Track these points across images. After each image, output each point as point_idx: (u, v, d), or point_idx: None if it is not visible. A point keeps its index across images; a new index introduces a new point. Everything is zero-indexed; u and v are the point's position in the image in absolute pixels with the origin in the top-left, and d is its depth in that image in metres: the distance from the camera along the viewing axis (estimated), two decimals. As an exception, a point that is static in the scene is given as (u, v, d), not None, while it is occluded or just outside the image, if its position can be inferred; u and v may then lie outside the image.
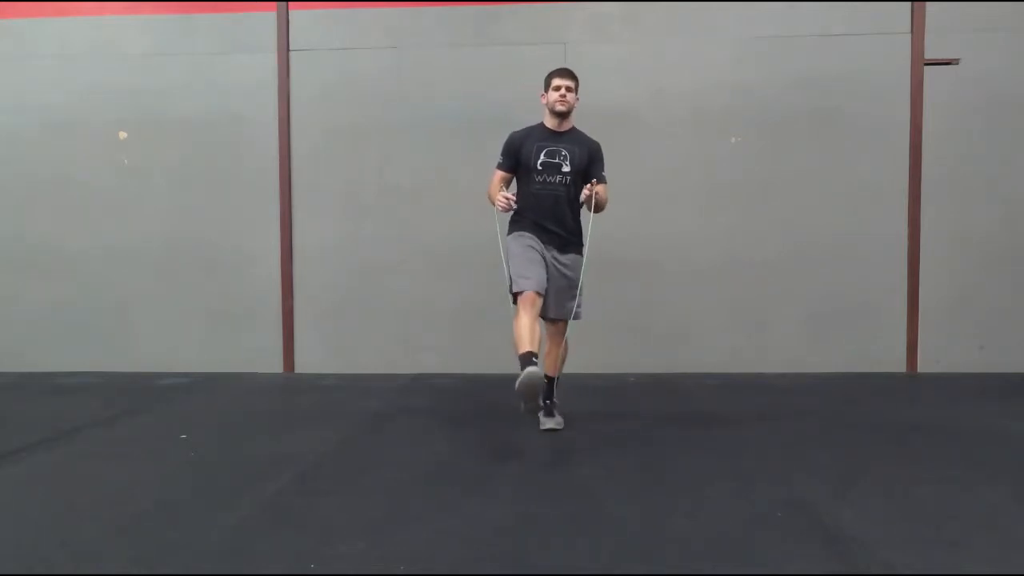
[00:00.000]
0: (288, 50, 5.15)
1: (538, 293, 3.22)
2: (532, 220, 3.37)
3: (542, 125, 3.43)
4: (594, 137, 3.49)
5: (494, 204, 3.36)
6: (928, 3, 4.91)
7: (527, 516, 2.31)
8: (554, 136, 3.40)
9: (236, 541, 2.13)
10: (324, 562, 1.97)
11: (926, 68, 4.93)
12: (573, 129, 3.47)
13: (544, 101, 3.42)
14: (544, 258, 3.35)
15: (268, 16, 5.16)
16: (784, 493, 2.50)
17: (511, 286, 3.31)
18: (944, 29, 4.91)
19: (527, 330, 3.11)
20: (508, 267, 3.34)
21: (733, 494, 2.50)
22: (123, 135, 5.26)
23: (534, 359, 2.99)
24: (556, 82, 3.35)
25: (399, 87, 5.14)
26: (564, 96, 3.33)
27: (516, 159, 3.39)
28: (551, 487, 2.61)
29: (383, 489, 2.59)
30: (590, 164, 3.43)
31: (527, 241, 3.36)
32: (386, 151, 5.16)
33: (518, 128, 3.47)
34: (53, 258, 5.30)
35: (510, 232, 3.44)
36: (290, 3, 5.15)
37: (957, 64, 4.93)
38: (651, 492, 2.54)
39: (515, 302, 3.30)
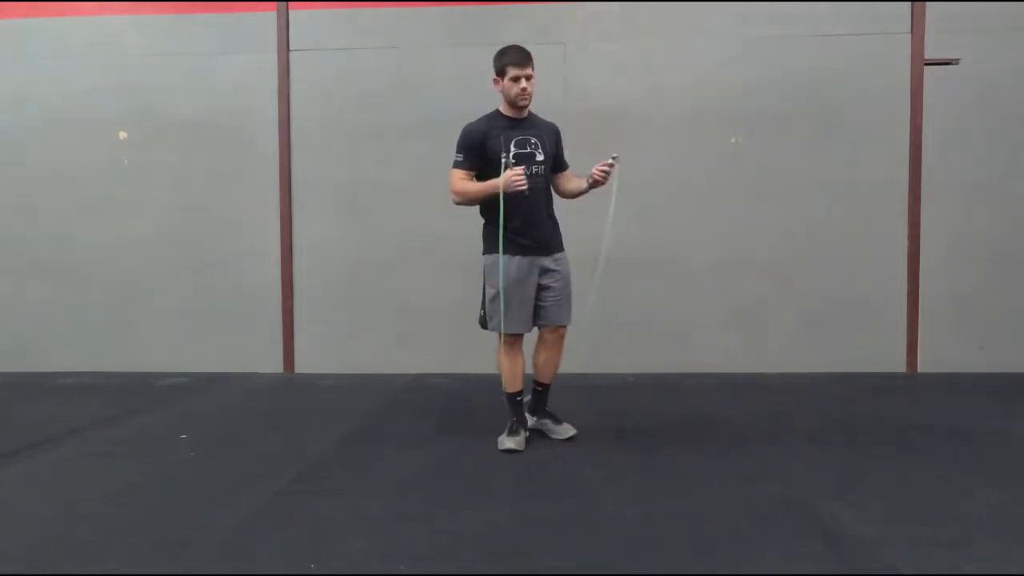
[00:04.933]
0: (288, 50, 5.15)
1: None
2: (513, 226, 3.02)
3: (499, 113, 3.13)
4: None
5: (468, 203, 3.10)
6: (928, 3, 4.91)
7: (527, 516, 2.31)
8: (518, 124, 3.11)
9: (236, 541, 2.13)
10: (324, 562, 1.97)
11: (926, 68, 4.93)
12: (531, 114, 3.19)
13: (498, 88, 3.09)
14: (527, 290, 3.12)
15: (268, 16, 5.16)
16: (784, 493, 2.50)
17: (491, 320, 3.15)
18: (944, 29, 4.91)
19: (520, 368, 3.22)
20: (485, 294, 3.17)
21: (733, 494, 2.50)
22: (123, 135, 5.26)
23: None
24: (514, 72, 3.00)
25: (399, 87, 5.14)
26: (526, 89, 3.02)
27: (481, 155, 3.04)
28: (551, 487, 2.61)
29: (383, 489, 2.59)
30: (557, 149, 3.24)
31: (514, 272, 3.07)
32: (386, 151, 5.16)
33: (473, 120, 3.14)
34: (53, 258, 5.30)
35: (489, 250, 3.12)
36: (290, 3, 5.15)
37: (957, 64, 4.93)
38: (651, 492, 2.54)
39: (483, 325, 3.26)
